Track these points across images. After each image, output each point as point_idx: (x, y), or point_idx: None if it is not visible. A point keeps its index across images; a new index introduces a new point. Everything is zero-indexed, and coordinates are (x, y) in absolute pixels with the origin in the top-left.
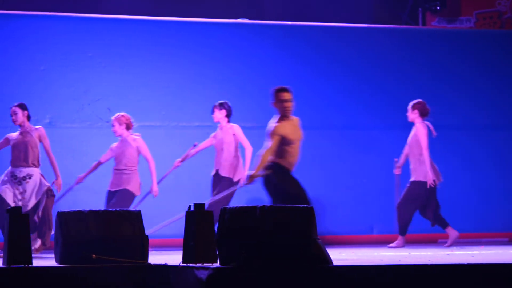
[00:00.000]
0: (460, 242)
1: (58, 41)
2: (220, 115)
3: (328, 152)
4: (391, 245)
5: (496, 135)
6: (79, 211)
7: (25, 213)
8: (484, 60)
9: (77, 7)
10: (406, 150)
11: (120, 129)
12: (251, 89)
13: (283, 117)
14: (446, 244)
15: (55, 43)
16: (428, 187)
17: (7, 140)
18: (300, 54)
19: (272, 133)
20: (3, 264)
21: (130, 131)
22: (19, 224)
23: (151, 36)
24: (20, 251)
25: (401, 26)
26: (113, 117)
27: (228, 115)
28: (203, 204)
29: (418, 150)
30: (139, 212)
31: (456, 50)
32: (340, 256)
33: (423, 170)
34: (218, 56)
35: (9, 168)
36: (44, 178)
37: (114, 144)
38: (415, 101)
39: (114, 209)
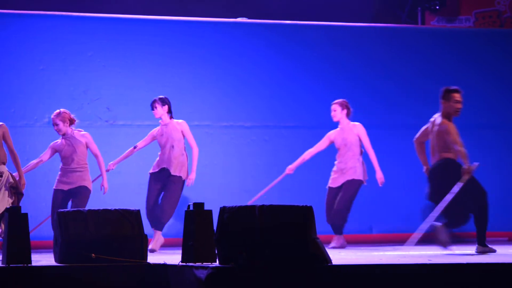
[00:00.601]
0: (460, 241)
1: (57, 40)
2: (162, 111)
3: (326, 152)
4: (331, 245)
5: (496, 134)
6: (79, 210)
7: (23, 213)
8: (483, 59)
9: (77, 6)
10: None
11: (65, 127)
12: (245, 89)
13: (450, 116)
14: (330, 245)
15: (54, 43)
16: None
17: None
18: (296, 54)
19: (449, 132)
20: (2, 264)
21: (73, 126)
22: (18, 223)
23: (151, 36)
24: (19, 251)
25: (400, 25)
26: (53, 116)
27: (170, 111)
28: (203, 204)
29: (358, 150)
30: (138, 212)
31: (455, 50)
32: (339, 255)
33: (361, 169)
34: (217, 55)
35: None
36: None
37: (56, 142)
38: (340, 100)
39: (113, 208)
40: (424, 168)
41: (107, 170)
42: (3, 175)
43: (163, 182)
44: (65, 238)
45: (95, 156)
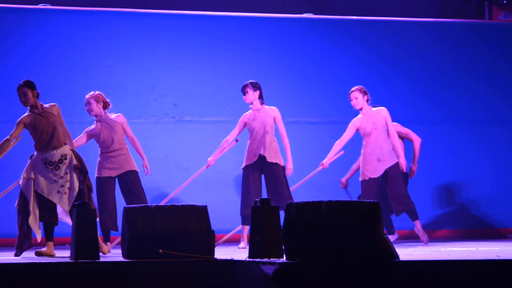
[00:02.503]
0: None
1: (124, 37)
2: (254, 96)
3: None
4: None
5: None
6: (146, 206)
7: (91, 209)
8: None
9: (144, 2)
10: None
11: (98, 108)
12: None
13: None
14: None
15: (121, 39)
16: None
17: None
18: (360, 51)
19: None
20: (70, 259)
21: (106, 111)
22: (86, 219)
23: (218, 32)
24: (87, 246)
25: (468, 20)
26: (87, 95)
27: (261, 96)
28: (270, 200)
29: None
30: (205, 207)
31: None
32: (406, 251)
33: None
34: (284, 51)
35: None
36: None
37: (91, 127)
38: (358, 87)
39: (180, 204)
40: None
41: (208, 166)
42: (67, 157)
43: (261, 169)
44: (133, 233)
45: (131, 139)
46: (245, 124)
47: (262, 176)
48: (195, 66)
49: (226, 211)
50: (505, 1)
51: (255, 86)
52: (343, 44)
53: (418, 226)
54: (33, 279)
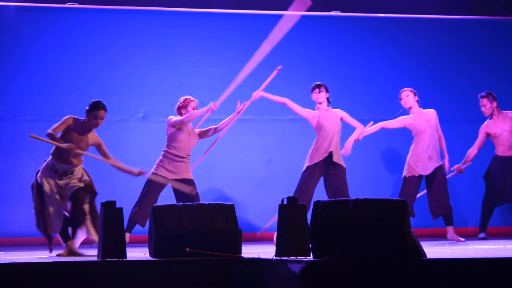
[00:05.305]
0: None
1: (152, 35)
2: (325, 96)
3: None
4: (451, 238)
5: None
6: (173, 204)
7: (118, 208)
8: None
9: (172, 1)
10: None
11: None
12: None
13: None
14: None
15: (149, 38)
16: None
17: None
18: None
19: None
20: (98, 258)
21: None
22: (113, 217)
23: (244, 30)
24: (114, 245)
25: (496, 17)
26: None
27: (328, 98)
28: (296, 198)
29: None
30: (232, 206)
31: None
32: (433, 249)
33: None
34: (311, 49)
35: None
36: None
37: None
38: (409, 88)
39: (207, 202)
40: None
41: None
42: (74, 172)
43: (325, 170)
44: (160, 232)
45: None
46: (312, 117)
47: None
48: (223, 65)
49: (253, 210)
50: None
51: (326, 88)
52: (370, 41)
53: (451, 231)
54: (61, 278)
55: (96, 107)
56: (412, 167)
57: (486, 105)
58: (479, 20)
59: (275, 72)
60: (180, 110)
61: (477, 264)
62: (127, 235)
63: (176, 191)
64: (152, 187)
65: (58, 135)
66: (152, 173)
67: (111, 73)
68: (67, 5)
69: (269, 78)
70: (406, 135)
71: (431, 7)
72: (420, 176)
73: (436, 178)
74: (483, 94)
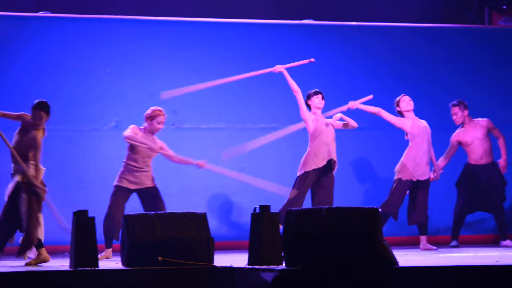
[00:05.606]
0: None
1: (124, 44)
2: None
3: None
4: (424, 247)
5: None
6: (145, 213)
7: (90, 216)
8: None
9: (145, 10)
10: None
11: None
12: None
13: None
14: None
15: (121, 47)
16: None
17: None
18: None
19: None
20: (69, 267)
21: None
22: (85, 226)
23: (216, 39)
24: (86, 254)
25: (468, 25)
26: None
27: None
28: (269, 206)
29: None
30: (204, 214)
31: None
32: (405, 257)
33: None
34: (284, 57)
35: None
36: None
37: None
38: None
39: (180, 211)
40: None
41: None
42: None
43: (319, 177)
44: (132, 241)
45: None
46: (312, 121)
47: None
48: (195, 74)
49: (226, 218)
50: (504, 7)
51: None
52: (342, 50)
53: (424, 241)
54: (32, 287)
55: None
56: (410, 171)
57: (457, 114)
58: (452, 28)
59: (306, 61)
60: (147, 119)
61: (449, 272)
62: (109, 250)
63: (142, 200)
64: (117, 198)
65: None
66: (115, 185)
67: (82, 82)
68: (39, 14)
69: (299, 63)
70: (375, 144)
71: (404, 16)
72: (415, 181)
73: (425, 186)
74: (454, 102)
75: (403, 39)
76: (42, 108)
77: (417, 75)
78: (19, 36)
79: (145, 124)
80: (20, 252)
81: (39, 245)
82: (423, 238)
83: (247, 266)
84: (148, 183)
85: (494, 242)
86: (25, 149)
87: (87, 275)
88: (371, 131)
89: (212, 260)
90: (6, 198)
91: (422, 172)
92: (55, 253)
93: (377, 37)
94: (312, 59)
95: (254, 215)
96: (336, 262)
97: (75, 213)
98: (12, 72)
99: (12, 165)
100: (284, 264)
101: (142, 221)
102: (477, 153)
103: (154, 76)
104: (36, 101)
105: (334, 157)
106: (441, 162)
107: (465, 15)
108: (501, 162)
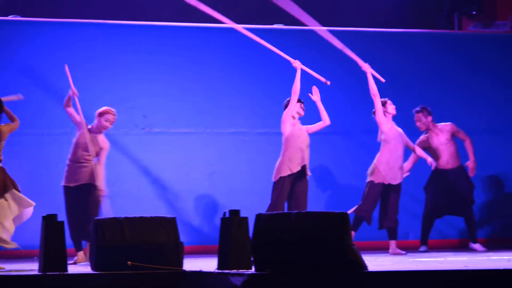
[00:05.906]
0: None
1: (93, 48)
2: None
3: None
4: (393, 252)
5: None
6: (114, 218)
7: (59, 221)
8: None
9: (114, 14)
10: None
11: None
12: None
13: None
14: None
15: (91, 50)
16: None
17: None
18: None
19: None
20: (38, 272)
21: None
22: (54, 231)
23: (184, 43)
24: (55, 258)
25: (438, 30)
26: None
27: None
28: (238, 211)
29: None
30: (174, 219)
31: (492, 55)
32: (375, 262)
33: None
34: (256, 62)
35: None
36: None
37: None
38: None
39: (149, 215)
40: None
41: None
42: None
43: (294, 182)
44: (101, 245)
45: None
46: (290, 124)
47: None
48: (165, 78)
49: (195, 223)
50: (474, 12)
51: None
52: (311, 55)
53: (393, 246)
54: None
55: None
56: (383, 174)
57: (421, 120)
58: (421, 34)
59: (322, 79)
60: (96, 116)
61: (418, 277)
62: (81, 253)
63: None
64: (70, 200)
65: None
66: (62, 186)
67: (52, 86)
68: (10, 17)
69: (316, 75)
70: (336, 152)
71: (372, 20)
72: (386, 184)
73: (396, 190)
74: (417, 109)
75: (371, 44)
76: None
77: (388, 80)
78: None
79: (95, 121)
80: None
81: None
82: (392, 243)
83: (216, 271)
84: (90, 180)
85: (462, 247)
86: None
87: (56, 279)
88: (332, 136)
89: (181, 264)
90: None
91: (394, 176)
92: (24, 257)
93: (345, 42)
94: (328, 82)
95: (223, 220)
96: (306, 267)
97: (44, 217)
98: None
99: None
100: (253, 269)
101: (111, 225)
102: (443, 158)
103: (124, 80)
104: None
105: (307, 162)
106: (405, 168)
107: (435, 20)
108: (470, 164)
